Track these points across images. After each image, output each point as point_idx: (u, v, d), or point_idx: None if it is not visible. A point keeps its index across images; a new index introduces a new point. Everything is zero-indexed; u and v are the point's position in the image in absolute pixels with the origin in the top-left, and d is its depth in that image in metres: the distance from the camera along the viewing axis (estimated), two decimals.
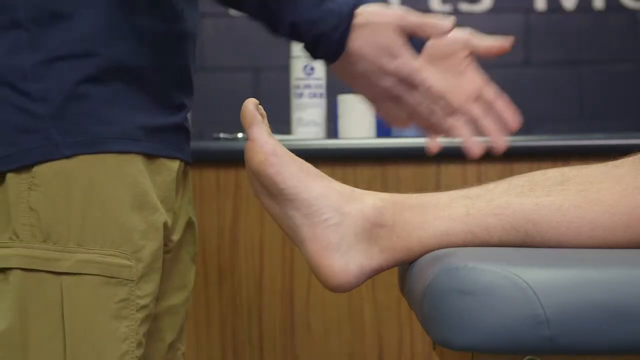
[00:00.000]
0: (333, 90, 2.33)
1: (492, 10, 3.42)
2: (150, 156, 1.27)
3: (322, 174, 1.25)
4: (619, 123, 3.35)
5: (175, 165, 1.32)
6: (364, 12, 1.22)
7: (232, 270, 2.12)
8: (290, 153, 1.26)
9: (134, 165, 1.24)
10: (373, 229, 1.20)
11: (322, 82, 2.17)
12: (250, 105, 1.21)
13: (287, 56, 2.24)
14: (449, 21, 1.25)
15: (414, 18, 1.25)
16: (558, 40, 3.42)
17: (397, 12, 1.25)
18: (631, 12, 3.41)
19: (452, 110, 1.23)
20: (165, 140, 1.29)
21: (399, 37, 1.23)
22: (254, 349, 2.11)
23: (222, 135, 2.15)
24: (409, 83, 1.22)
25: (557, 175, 1.17)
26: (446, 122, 1.25)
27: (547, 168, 1.21)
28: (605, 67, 3.42)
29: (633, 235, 1.13)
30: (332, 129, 2.26)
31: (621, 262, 1.02)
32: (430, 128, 1.28)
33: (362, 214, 1.21)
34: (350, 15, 1.20)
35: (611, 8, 3.41)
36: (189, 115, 1.38)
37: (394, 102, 1.25)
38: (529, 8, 3.41)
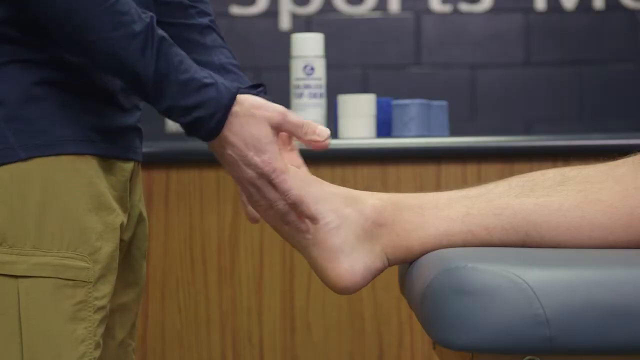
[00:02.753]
0: (333, 90, 2.33)
1: (492, 10, 3.42)
2: (104, 158, 1.27)
3: (317, 178, 1.26)
4: (619, 123, 3.35)
5: (129, 166, 1.33)
6: (245, 102, 1.22)
7: (232, 270, 2.12)
8: (285, 161, 1.26)
9: (89, 166, 1.24)
10: (374, 229, 1.20)
11: (322, 82, 2.17)
12: None
13: (287, 56, 2.24)
14: (326, 129, 1.25)
15: (294, 119, 1.24)
16: (558, 40, 3.42)
17: (279, 110, 1.24)
18: (631, 12, 3.41)
19: (307, 216, 1.23)
20: (118, 141, 1.29)
21: (270, 134, 1.23)
22: (254, 349, 2.11)
23: None
24: (268, 180, 1.24)
25: (557, 176, 1.17)
26: (299, 224, 1.25)
27: (547, 168, 1.21)
28: (605, 67, 3.42)
29: (633, 235, 1.13)
30: (332, 129, 2.26)
31: (621, 262, 1.02)
32: (286, 224, 1.27)
33: (361, 215, 1.21)
34: (229, 106, 1.21)
35: (611, 8, 3.41)
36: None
37: (255, 190, 1.27)
38: (529, 8, 3.42)
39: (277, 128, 1.23)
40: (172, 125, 3.50)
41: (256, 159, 1.22)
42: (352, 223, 1.21)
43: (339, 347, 2.12)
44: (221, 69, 1.41)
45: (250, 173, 1.23)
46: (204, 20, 1.44)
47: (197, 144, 2.25)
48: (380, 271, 1.22)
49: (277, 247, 2.11)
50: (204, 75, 1.22)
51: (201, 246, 2.11)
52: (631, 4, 3.41)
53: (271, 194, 1.23)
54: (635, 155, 1.18)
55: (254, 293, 2.11)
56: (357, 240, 1.21)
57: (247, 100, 1.23)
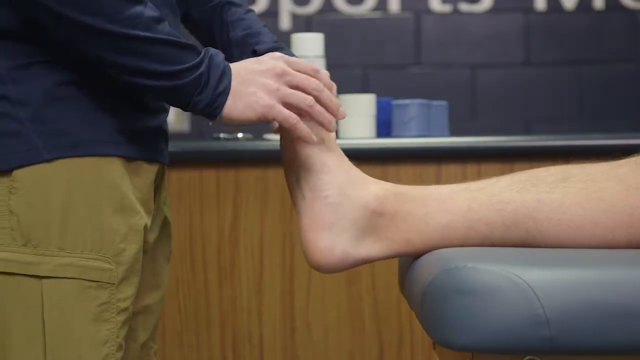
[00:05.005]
0: None
1: (492, 10, 3.42)
2: (129, 159, 1.27)
3: (342, 153, 1.25)
4: (619, 123, 3.35)
5: (154, 168, 1.33)
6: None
7: (232, 270, 2.12)
8: (317, 123, 1.26)
9: (114, 168, 1.25)
10: (372, 217, 1.20)
11: None
12: None
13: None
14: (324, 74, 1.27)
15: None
16: (558, 40, 3.42)
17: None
18: (631, 12, 3.41)
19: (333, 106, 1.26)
20: (144, 143, 1.29)
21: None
22: (254, 349, 2.11)
23: (222, 135, 2.15)
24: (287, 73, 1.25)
25: (559, 172, 1.17)
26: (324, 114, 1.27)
27: None
28: (605, 67, 3.42)
29: (633, 235, 1.13)
30: None
31: (621, 262, 1.02)
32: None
33: (363, 201, 1.20)
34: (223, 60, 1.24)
35: (611, 8, 3.41)
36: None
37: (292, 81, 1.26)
38: (529, 8, 3.42)
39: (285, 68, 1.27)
40: (172, 125, 3.50)
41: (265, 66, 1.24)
42: (352, 206, 1.20)
43: (339, 347, 2.12)
44: (235, 45, 1.43)
45: (273, 67, 1.24)
46: None
47: (197, 144, 2.24)
48: (365, 262, 1.21)
49: (277, 247, 2.11)
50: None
51: (201, 246, 2.11)
52: (631, 4, 3.41)
53: (301, 76, 1.25)
54: (637, 155, 1.18)
55: (254, 293, 2.11)
56: (351, 224, 1.20)
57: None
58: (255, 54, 1.42)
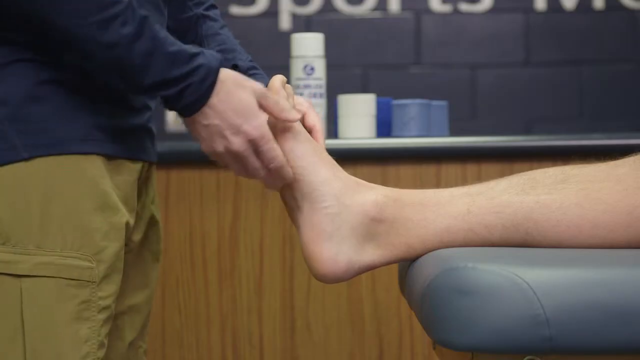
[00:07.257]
0: (333, 90, 2.33)
1: (492, 10, 3.42)
2: (110, 157, 1.27)
3: (334, 162, 1.25)
4: (619, 123, 3.36)
5: (137, 166, 1.32)
6: (229, 72, 1.21)
7: (232, 270, 2.12)
8: (308, 134, 1.26)
9: (94, 166, 1.24)
10: (371, 224, 1.20)
11: (322, 82, 2.17)
12: (277, 81, 1.22)
13: (287, 56, 2.24)
14: (296, 113, 1.22)
15: (270, 101, 1.21)
16: (558, 40, 3.42)
17: (257, 85, 1.22)
18: (631, 12, 3.41)
19: (287, 180, 1.22)
20: (126, 141, 1.29)
21: (256, 102, 1.21)
22: (254, 349, 2.11)
23: None
24: (256, 147, 1.21)
25: (558, 174, 1.17)
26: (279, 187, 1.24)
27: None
28: (605, 67, 3.42)
29: (633, 235, 1.13)
30: (332, 129, 2.26)
31: (621, 262, 1.02)
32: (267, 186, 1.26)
33: (361, 209, 1.21)
34: (218, 70, 1.20)
35: (611, 8, 3.41)
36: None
37: (237, 162, 1.24)
38: (529, 8, 3.42)
39: (259, 101, 1.22)
40: (172, 125, 3.50)
41: (246, 127, 1.21)
42: (350, 214, 1.20)
43: (339, 347, 2.12)
44: None
45: (238, 142, 1.22)
46: (199, 10, 1.45)
47: (197, 144, 2.25)
48: (369, 268, 1.22)
49: (277, 247, 2.11)
50: (190, 46, 1.21)
51: (201, 246, 2.11)
52: (631, 4, 3.41)
53: (255, 163, 1.22)
54: (636, 155, 1.18)
55: (254, 293, 2.11)
56: (350, 233, 1.20)
57: (231, 72, 1.22)
58: (237, 68, 1.41)
